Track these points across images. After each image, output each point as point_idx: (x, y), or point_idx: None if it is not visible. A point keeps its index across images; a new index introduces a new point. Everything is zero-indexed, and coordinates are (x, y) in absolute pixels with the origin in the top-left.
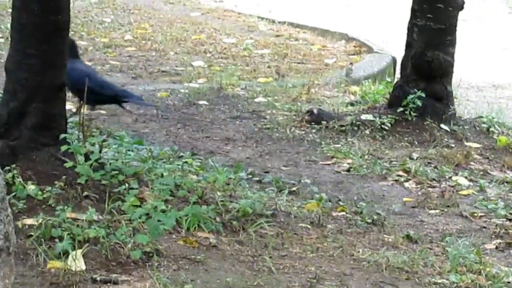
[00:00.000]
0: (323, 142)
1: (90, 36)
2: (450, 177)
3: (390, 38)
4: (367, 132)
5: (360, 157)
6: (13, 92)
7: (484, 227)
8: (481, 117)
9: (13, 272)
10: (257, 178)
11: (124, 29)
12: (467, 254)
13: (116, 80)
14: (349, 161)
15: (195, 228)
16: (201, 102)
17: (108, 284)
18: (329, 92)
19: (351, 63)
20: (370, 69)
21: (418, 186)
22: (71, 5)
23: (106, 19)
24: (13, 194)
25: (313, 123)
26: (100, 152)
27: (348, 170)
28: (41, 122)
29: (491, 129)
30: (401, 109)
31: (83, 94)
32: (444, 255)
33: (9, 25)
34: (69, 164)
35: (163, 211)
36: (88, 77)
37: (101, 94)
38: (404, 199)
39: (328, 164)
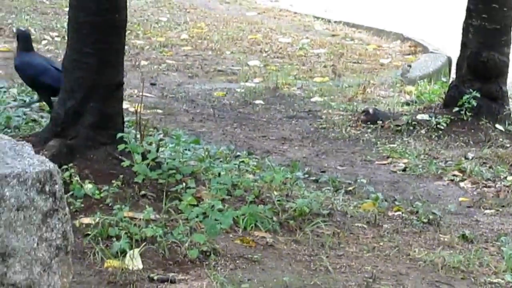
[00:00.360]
0: (378, 142)
1: (146, 35)
2: (505, 177)
3: (446, 38)
4: (423, 132)
5: (416, 156)
6: (70, 91)
7: None
8: None
9: (71, 271)
10: (314, 178)
11: (180, 28)
12: None
13: (172, 79)
14: (405, 160)
15: (252, 227)
16: (257, 102)
17: (165, 283)
18: (385, 92)
19: (409, 65)
20: (425, 69)
21: (474, 186)
22: (128, 4)
23: (162, 18)
24: (71, 193)
25: (368, 122)
26: (157, 151)
27: (403, 170)
28: (98, 121)
29: None
30: (457, 109)
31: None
32: (500, 255)
33: (65, 24)
34: (126, 163)
35: (220, 210)
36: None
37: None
38: (460, 199)
39: (384, 164)
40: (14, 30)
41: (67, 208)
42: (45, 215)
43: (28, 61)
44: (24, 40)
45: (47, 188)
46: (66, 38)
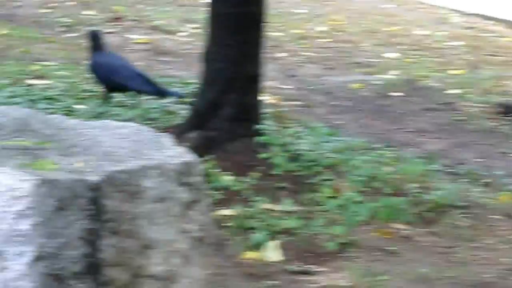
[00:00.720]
0: None
1: (284, 27)
2: None
3: None
4: None
5: None
6: (209, 83)
7: None
8: None
9: (210, 263)
10: (451, 170)
11: (317, 21)
12: None
13: (309, 71)
14: None
15: (389, 219)
16: (393, 94)
17: (304, 275)
18: None
19: None
20: None
21: None
22: None
23: (299, 11)
24: (210, 185)
25: (505, 115)
26: (296, 143)
27: None
28: (237, 112)
29: None
30: None
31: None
32: None
33: (202, 16)
34: (265, 155)
35: (358, 203)
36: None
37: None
38: None
39: None
40: (86, 33)
41: (207, 200)
42: (185, 207)
43: (100, 60)
44: (96, 39)
45: (187, 180)
46: (204, 30)
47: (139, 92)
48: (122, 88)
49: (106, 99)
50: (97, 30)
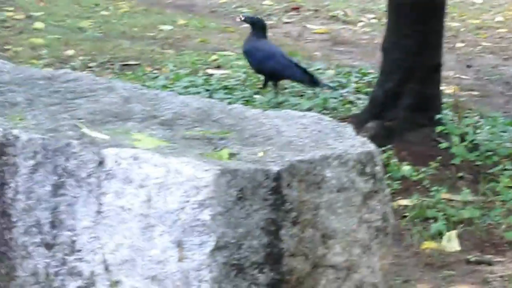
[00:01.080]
0: None
1: (461, 18)
2: None
3: None
4: None
5: None
6: (389, 72)
7: None
8: None
9: (390, 253)
10: None
11: (494, 11)
12: None
13: (487, 61)
14: None
15: None
16: None
17: (482, 265)
18: None
19: None
20: None
21: None
22: None
23: (476, 1)
24: (388, 174)
25: None
26: (474, 133)
27: None
28: (416, 103)
29: None
30: None
31: (263, 74)
32: None
33: (381, 6)
34: (444, 145)
35: None
36: (271, 58)
37: (282, 75)
38: None
39: None
40: (242, 18)
41: (387, 190)
42: (365, 196)
43: (256, 46)
44: (258, 27)
45: (367, 170)
46: (384, 20)
47: (293, 80)
48: (276, 75)
49: (264, 87)
50: (259, 18)
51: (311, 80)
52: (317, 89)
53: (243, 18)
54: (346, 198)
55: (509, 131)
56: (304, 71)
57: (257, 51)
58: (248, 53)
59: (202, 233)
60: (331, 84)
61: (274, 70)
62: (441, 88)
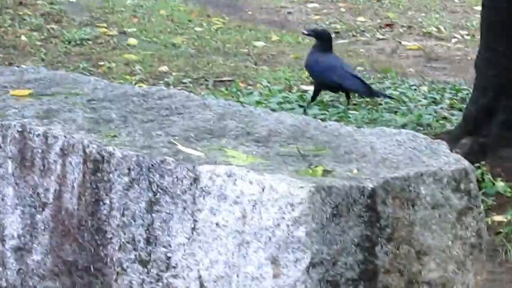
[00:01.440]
0: None
1: None
2: None
3: None
4: None
5: None
6: (482, 89)
7: None
8: None
9: (484, 269)
10: None
11: None
12: None
13: None
14: None
15: None
16: None
17: None
18: None
19: None
20: None
21: None
22: None
23: None
24: (483, 191)
25: None
26: None
27: None
28: (510, 119)
29: None
30: None
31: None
32: None
33: (474, 23)
34: None
35: None
36: (331, 70)
37: (341, 87)
38: None
39: None
40: (306, 32)
41: (481, 206)
42: (459, 213)
43: (317, 59)
44: (324, 40)
45: (462, 187)
46: (477, 36)
47: (353, 91)
48: (335, 86)
49: (314, 97)
50: (324, 30)
51: (370, 91)
52: (378, 99)
53: (306, 33)
54: (440, 215)
55: None
56: (363, 82)
57: (317, 64)
58: (309, 67)
59: (297, 250)
60: (390, 95)
61: (333, 82)
62: None
